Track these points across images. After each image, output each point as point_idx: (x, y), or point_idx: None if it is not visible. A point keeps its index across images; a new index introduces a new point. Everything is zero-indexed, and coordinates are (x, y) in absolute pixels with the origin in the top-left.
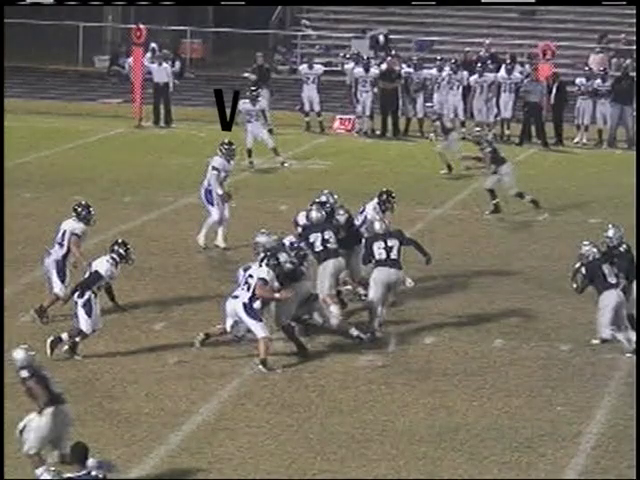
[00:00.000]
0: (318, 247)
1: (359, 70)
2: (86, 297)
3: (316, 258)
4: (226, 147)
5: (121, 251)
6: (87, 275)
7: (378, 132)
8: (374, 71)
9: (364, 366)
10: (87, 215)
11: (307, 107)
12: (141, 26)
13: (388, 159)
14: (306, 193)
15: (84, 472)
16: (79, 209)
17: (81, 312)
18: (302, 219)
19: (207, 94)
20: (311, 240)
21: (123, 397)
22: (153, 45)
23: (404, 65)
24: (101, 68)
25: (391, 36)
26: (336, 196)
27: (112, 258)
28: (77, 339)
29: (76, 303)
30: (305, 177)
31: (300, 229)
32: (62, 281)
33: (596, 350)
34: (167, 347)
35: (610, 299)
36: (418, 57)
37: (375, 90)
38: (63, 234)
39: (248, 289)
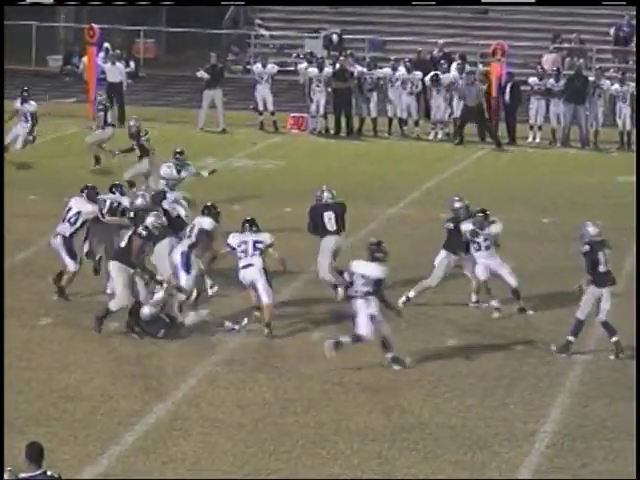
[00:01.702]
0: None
1: (313, 69)
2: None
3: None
4: (178, 157)
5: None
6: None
7: (332, 131)
8: (328, 70)
9: (318, 366)
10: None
11: (261, 106)
12: (94, 26)
13: (342, 158)
14: (259, 192)
15: (39, 472)
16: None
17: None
18: None
19: (160, 94)
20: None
21: (78, 397)
22: (106, 45)
23: (357, 65)
24: (54, 68)
25: (344, 35)
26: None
27: (212, 215)
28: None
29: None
30: (258, 176)
31: None
32: (73, 258)
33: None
34: (121, 346)
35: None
36: (371, 56)
37: (329, 89)
38: (68, 210)
39: (260, 254)
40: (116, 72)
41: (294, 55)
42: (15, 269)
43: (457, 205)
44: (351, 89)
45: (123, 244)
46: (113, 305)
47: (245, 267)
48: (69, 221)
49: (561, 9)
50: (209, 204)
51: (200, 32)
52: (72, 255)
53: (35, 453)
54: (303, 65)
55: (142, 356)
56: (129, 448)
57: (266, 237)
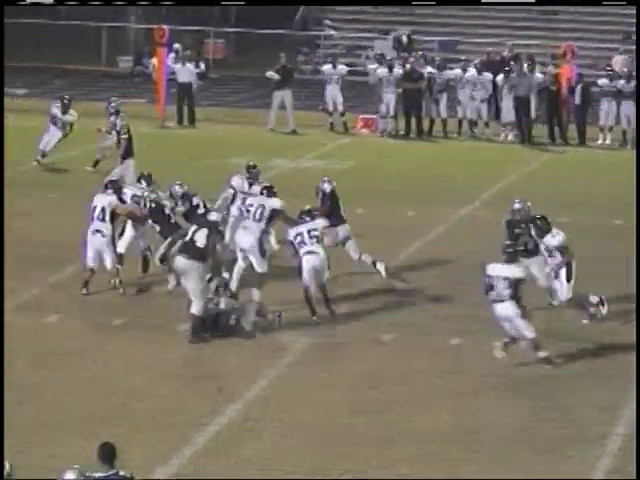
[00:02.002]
0: None
1: (382, 70)
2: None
3: None
4: (251, 171)
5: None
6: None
7: (402, 132)
8: (397, 71)
9: (387, 368)
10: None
11: (330, 107)
12: (164, 26)
13: (412, 159)
14: None
15: (112, 472)
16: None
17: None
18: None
19: (229, 95)
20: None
21: (148, 397)
22: (177, 45)
23: (427, 66)
24: (125, 68)
25: (414, 36)
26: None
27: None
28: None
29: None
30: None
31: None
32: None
33: (623, 350)
34: (193, 347)
35: None
36: (441, 57)
37: (399, 90)
38: (94, 209)
39: (318, 242)
40: (186, 73)
41: (364, 56)
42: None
43: (516, 206)
44: (421, 90)
45: (201, 242)
46: (197, 310)
47: (309, 253)
48: (98, 219)
49: (631, 10)
50: (267, 184)
51: (269, 33)
52: (115, 253)
53: (108, 453)
54: (373, 66)
55: (213, 357)
56: (200, 449)
57: (319, 223)
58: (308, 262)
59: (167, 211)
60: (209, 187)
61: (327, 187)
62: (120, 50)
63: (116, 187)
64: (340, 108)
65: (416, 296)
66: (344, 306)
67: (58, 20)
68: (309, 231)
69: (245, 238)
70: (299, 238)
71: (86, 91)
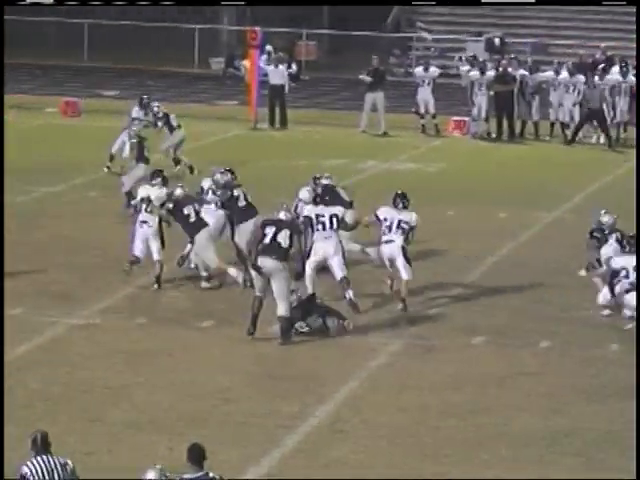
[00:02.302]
0: None
1: (475, 73)
2: None
3: None
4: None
5: None
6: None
7: (493, 135)
8: (490, 74)
9: (477, 369)
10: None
11: (422, 109)
12: (256, 28)
13: (503, 162)
14: (421, 195)
15: (201, 473)
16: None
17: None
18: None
19: (321, 96)
20: None
21: (239, 399)
22: (269, 47)
23: (520, 68)
24: (217, 70)
25: (507, 39)
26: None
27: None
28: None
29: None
30: (420, 179)
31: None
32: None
33: None
34: (282, 348)
35: None
36: (533, 60)
37: (491, 93)
38: (141, 200)
39: (402, 233)
40: (278, 75)
41: (456, 58)
42: (175, 272)
43: (604, 219)
44: (513, 92)
45: (285, 243)
46: (284, 311)
47: (387, 242)
48: (145, 210)
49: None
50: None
51: (361, 34)
52: (161, 244)
53: (197, 454)
54: (465, 68)
55: (303, 358)
56: (290, 450)
57: (412, 218)
58: (384, 253)
59: (186, 211)
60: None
61: (325, 182)
62: (212, 52)
63: (162, 177)
64: (432, 110)
65: (506, 298)
66: (434, 308)
67: (152, 22)
68: (400, 221)
69: (327, 246)
70: (388, 222)
71: (186, 93)
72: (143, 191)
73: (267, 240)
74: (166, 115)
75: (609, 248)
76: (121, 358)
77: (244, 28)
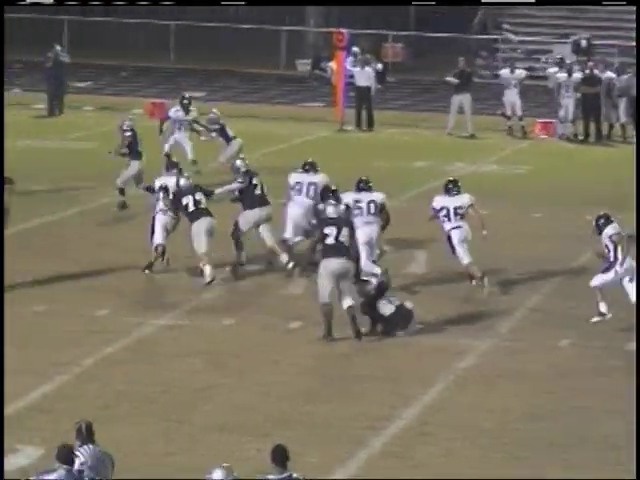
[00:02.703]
0: None
1: (562, 75)
2: None
3: None
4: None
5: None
6: None
7: (580, 137)
8: (577, 76)
9: (561, 371)
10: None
11: (509, 111)
12: (343, 30)
13: (590, 164)
14: (508, 197)
15: (285, 475)
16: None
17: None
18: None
19: (407, 98)
20: None
21: (326, 400)
22: (355, 49)
23: (607, 70)
24: (303, 72)
25: (594, 41)
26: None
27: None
28: None
29: None
30: (506, 181)
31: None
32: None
33: None
34: (371, 349)
35: None
36: (620, 62)
37: (578, 95)
38: (159, 189)
39: (461, 218)
40: (365, 76)
41: (542, 60)
42: (265, 274)
43: None
44: (600, 94)
45: (347, 242)
46: (352, 301)
47: (454, 228)
48: (163, 199)
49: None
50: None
51: (448, 36)
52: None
53: (280, 456)
54: (552, 70)
55: (391, 359)
56: (377, 452)
57: (465, 200)
58: (454, 238)
59: (185, 201)
60: (386, 190)
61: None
62: (299, 53)
63: (178, 167)
64: (519, 112)
65: (591, 300)
66: (520, 310)
67: (239, 23)
68: (455, 208)
69: (367, 231)
70: (444, 212)
71: (273, 95)
72: (161, 180)
73: (331, 240)
74: (222, 126)
75: None
76: (207, 359)
77: (330, 30)
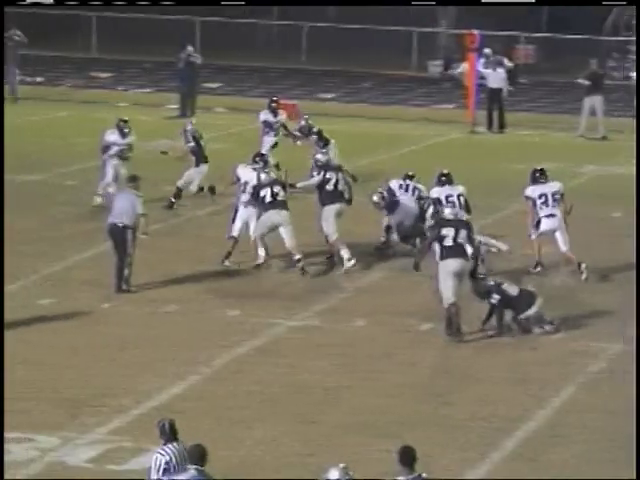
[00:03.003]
0: None
1: None
2: None
3: None
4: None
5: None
6: None
7: None
8: None
9: None
10: None
11: None
12: (474, 31)
13: None
14: None
15: (414, 475)
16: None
17: None
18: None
19: (539, 100)
20: None
21: (457, 402)
22: (487, 50)
23: None
24: (434, 73)
25: None
26: None
27: None
28: None
29: None
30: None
31: None
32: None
33: None
34: (501, 351)
35: None
36: None
37: None
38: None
39: (559, 204)
40: (497, 78)
41: None
42: (397, 277)
43: None
44: None
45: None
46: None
47: (547, 216)
48: (248, 192)
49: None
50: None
51: (579, 38)
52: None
53: (408, 456)
54: None
55: (522, 362)
56: (509, 454)
57: (560, 186)
58: (546, 225)
59: (262, 193)
60: (517, 192)
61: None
62: (430, 55)
63: (264, 161)
64: None
65: None
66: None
67: (370, 24)
68: (553, 194)
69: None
70: (543, 198)
71: (405, 97)
72: (246, 174)
73: (449, 242)
74: (319, 130)
75: None
76: (339, 360)
77: (462, 31)
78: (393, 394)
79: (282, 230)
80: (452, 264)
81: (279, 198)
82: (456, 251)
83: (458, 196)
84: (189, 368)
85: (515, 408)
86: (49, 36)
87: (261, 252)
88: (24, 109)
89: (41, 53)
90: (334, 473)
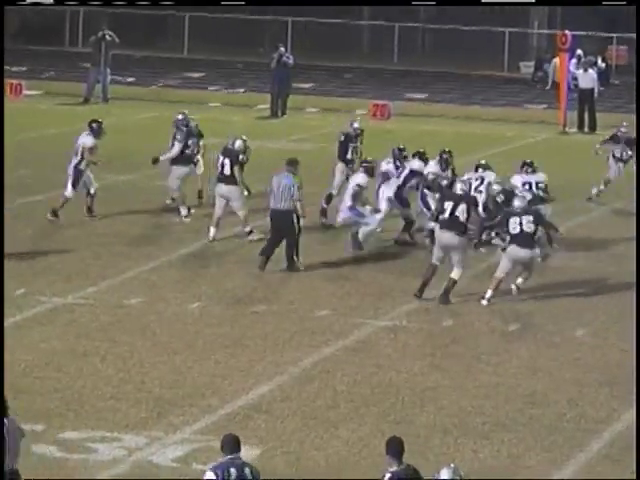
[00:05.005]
0: None
1: None
2: None
3: None
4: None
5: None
6: None
7: None
8: None
9: None
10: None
11: None
12: (566, 32)
13: None
14: None
15: (404, 466)
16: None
17: None
18: None
19: (631, 101)
20: None
21: (544, 403)
22: (579, 51)
23: None
24: (526, 74)
25: None
26: None
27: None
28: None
29: None
30: None
31: None
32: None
33: None
34: (589, 352)
35: None
36: None
37: None
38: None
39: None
40: (588, 79)
41: None
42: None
43: None
44: None
45: (462, 217)
46: (457, 276)
47: None
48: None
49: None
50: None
51: None
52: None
53: (397, 448)
54: None
55: (609, 363)
56: (595, 455)
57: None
58: None
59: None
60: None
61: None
62: (522, 55)
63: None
64: None
65: None
66: None
67: (465, 25)
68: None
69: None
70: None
71: (496, 97)
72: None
73: (446, 215)
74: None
75: None
76: (427, 360)
77: (554, 32)
78: (481, 395)
79: None
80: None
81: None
82: (449, 224)
83: (537, 184)
84: (277, 368)
85: (602, 409)
86: (140, 36)
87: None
88: (114, 109)
89: (132, 53)
90: (445, 473)
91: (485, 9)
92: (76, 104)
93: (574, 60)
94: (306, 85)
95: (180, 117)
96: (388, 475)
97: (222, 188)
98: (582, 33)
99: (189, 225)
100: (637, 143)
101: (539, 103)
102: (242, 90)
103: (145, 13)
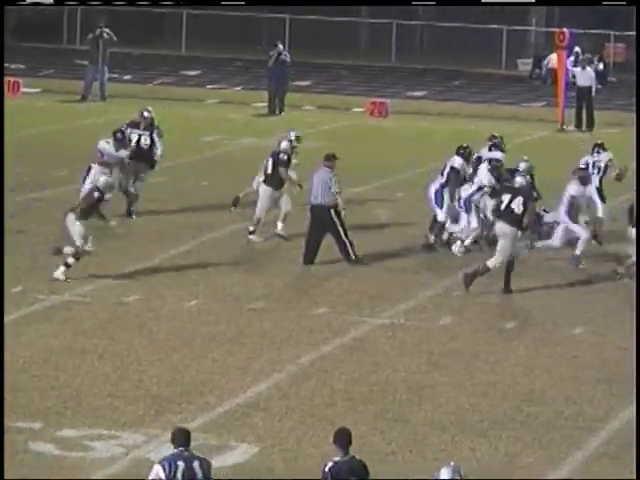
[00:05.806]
0: None
1: None
2: None
3: None
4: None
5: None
6: None
7: None
8: None
9: None
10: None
11: None
12: (564, 30)
13: None
14: None
15: (350, 456)
16: None
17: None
18: None
19: (629, 99)
20: None
21: (542, 401)
22: (576, 49)
23: None
24: (524, 71)
25: None
26: None
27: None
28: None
29: None
30: None
31: None
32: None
33: None
34: (585, 350)
35: None
36: None
37: None
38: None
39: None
40: (586, 76)
41: None
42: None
43: None
44: None
45: (518, 210)
46: (492, 264)
47: None
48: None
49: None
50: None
51: None
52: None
53: (344, 439)
54: None
55: (607, 361)
56: (593, 453)
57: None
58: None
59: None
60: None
61: None
62: (520, 53)
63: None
64: None
65: None
66: None
67: (461, 22)
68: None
69: None
70: None
71: (494, 95)
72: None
73: (503, 207)
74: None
75: None
76: (424, 358)
77: (552, 29)
78: (478, 392)
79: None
80: (498, 226)
81: None
82: (504, 215)
83: (596, 163)
84: (274, 366)
85: (600, 407)
86: (138, 34)
87: None
88: (112, 107)
89: (130, 51)
90: (445, 472)
91: (484, 7)
92: (74, 102)
93: (572, 58)
94: (304, 83)
95: (146, 114)
96: (330, 464)
97: (262, 187)
98: (580, 31)
99: (186, 223)
100: (637, 139)
101: (537, 101)
102: (239, 88)
103: (143, 11)
